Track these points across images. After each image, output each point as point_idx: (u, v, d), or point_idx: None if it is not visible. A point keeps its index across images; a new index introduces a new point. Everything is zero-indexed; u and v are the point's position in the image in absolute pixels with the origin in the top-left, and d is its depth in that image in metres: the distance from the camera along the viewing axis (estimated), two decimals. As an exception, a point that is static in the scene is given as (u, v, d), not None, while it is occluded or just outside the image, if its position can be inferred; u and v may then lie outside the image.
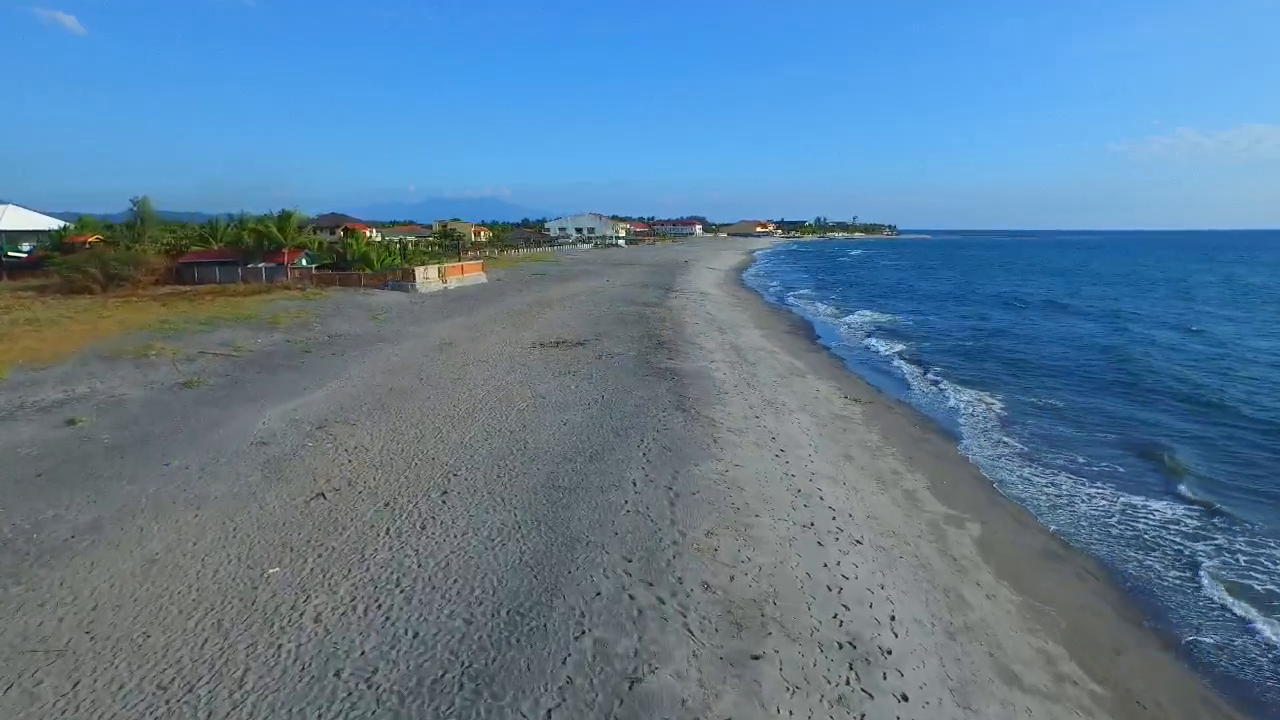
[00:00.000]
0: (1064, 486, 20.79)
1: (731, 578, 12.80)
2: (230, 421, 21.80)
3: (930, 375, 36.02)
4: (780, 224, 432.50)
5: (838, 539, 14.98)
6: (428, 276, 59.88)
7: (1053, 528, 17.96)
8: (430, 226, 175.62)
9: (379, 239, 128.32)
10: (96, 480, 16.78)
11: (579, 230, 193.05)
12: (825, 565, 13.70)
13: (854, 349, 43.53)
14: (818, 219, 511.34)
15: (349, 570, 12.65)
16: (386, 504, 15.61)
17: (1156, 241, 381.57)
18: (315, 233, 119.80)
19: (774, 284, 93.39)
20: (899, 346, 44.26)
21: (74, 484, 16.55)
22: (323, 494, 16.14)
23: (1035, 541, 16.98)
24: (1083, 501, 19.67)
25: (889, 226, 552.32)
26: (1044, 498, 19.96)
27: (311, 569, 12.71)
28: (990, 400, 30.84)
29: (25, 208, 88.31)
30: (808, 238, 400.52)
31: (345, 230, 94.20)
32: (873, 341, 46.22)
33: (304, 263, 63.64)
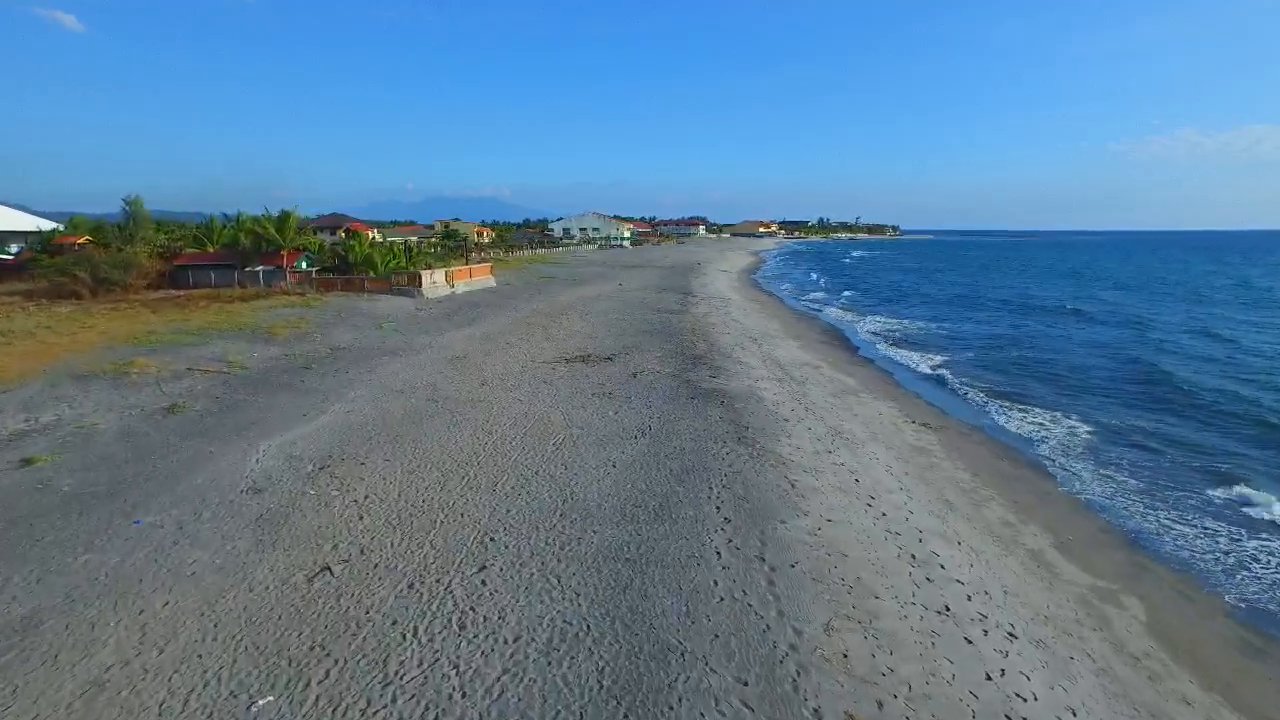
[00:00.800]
0: (1219, 539, 17.46)
1: (880, 704, 9.51)
2: (217, 459, 18.49)
3: (980, 392, 32.76)
4: (783, 224, 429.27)
5: (986, 631, 11.70)
6: (434, 281, 56.58)
7: (1232, 600, 14.63)
8: (431, 226, 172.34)
9: (380, 239, 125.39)
10: (45, 549, 13.46)
11: (583, 231, 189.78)
12: (989, 677, 10.43)
13: (896, 361, 40.19)
14: (820, 219, 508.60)
15: (367, 703, 9.33)
16: (410, 585, 12.31)
17: (1157, 242, 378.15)
18: (316, 234, 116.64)
19: (786, 285, 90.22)
20: (936, 358, 40.95)
21: (15, 555, 13.24)
22: (328, 568, 12.84)
23: (1222, 628, 13.68)
24: (1253, 561, 16.32)
25: (892, 227, 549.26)
26: (1197, 555, 16.64)
27: (317, 698, 9.39)
28: (1061, 424, 27.56)
29: (15, 207, 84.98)
30: (811, 238, 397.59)
31: (347, 231, 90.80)
32: (910, 353, 42.88)
33: (304, 265, 60.34)
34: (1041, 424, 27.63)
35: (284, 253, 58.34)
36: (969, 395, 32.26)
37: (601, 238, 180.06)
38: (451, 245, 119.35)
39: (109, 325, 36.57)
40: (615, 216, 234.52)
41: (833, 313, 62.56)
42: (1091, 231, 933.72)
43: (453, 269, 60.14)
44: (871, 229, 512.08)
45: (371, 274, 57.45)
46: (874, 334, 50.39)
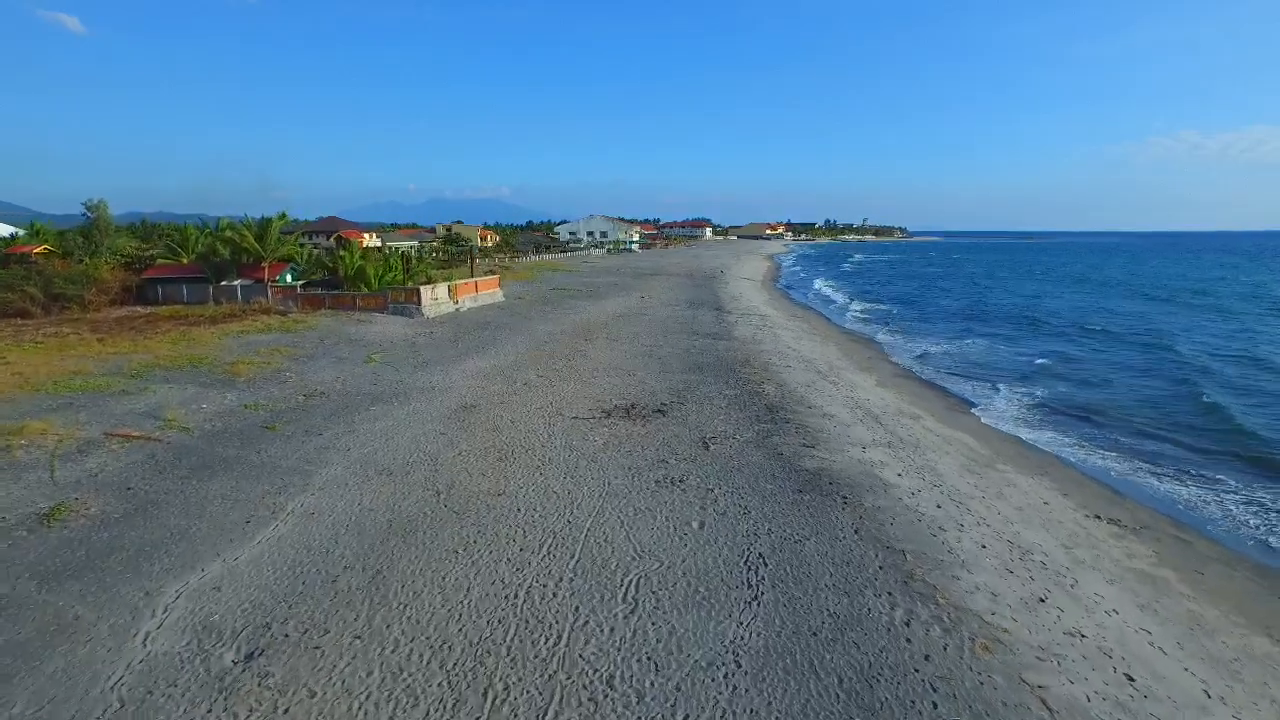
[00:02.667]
0: None
1: None
2: (75, 640, 11.34)
3: (1127, 454, 25.66)
4: (790, 226, 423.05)
5: None
6: (435, 296, 49.44)
7: None
8: (433, 230, 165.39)
9: (378, 244, 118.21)
10: None
11: (590, 235, 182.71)
12: None
13: (990, 404, 32.94)
14: (827, 221, 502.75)
15: None
16: None
17: (1164, 244, 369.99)
18: (310, 239, 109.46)
19: (815, 295, 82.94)
20: (1024, 393, 33.81)
21: None
22: None
23: None
24: None
25: (900, 228, 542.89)
26: None
27: None
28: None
29: (18, 208, 77.89)
30: (819, 240, 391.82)
31: (339, 239, 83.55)
32: (992, 389, 35.67)
33: (288, 279, 53.29)
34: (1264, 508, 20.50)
35: (265, 265, 51.24)
36: (1115, 457, 25.08)
37: (610, 242, 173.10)
38: (454, 251, 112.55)
39: (29, 361, 29.42)
40: (620, 219, 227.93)
41: (884, 335, 55.22)
42: (1095, 233, 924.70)
43: (456, 283, 53.01)
44: (879, 231, 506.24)
45: (364, 289, 50.31)
46: (942, 363, 43.14)
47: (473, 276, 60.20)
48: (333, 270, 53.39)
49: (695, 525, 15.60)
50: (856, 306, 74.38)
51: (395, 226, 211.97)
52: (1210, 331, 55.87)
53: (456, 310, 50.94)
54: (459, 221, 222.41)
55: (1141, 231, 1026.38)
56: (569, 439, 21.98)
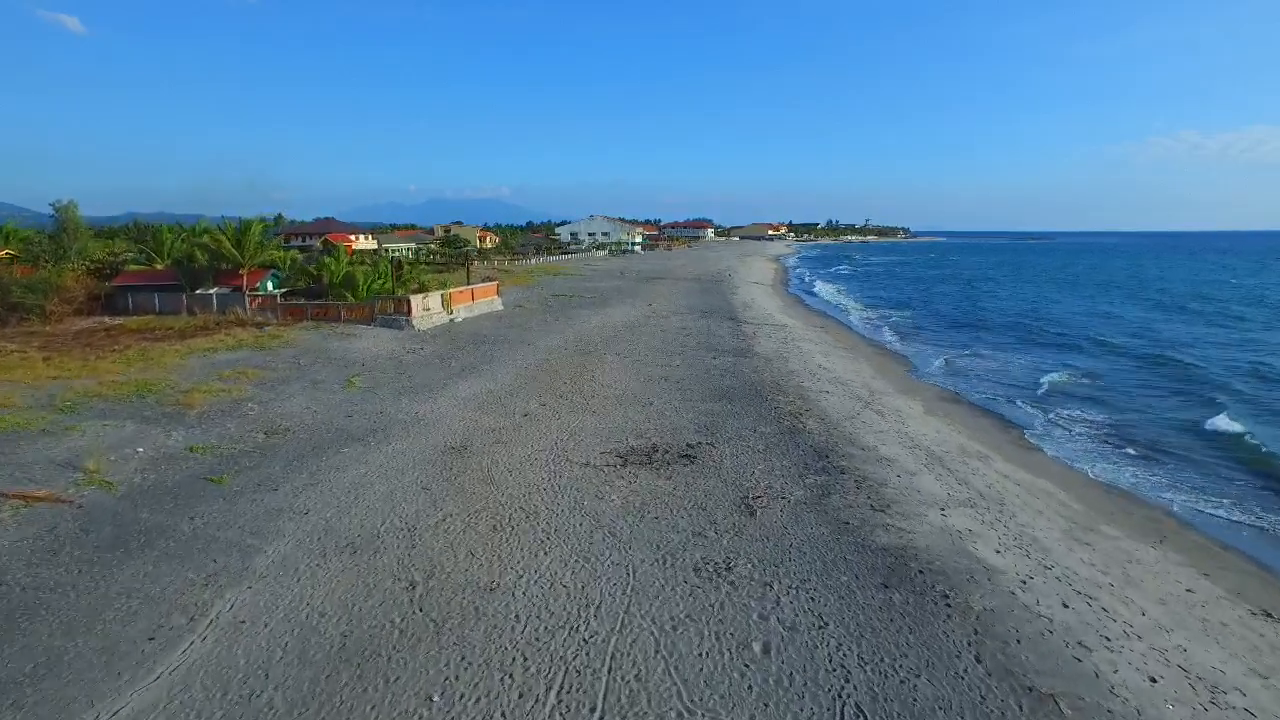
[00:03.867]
0: None
1: None
2: None
3: (1249, 504, 21.51)
4: (791, 226, 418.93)
5: None
6: (427, 307, 45.30)
7: None
8: (431, 231, 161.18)
9: (373, 246, 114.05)
10: None
11: (591, 236, 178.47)
12: None
13: (1059, 438, 28.82)
14: (829, 221, 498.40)
15: None
16: None
17: (1164, 245, 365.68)
18: (304, 241, 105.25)
19: (829, 300, 78.67)
20: (1086, 420, 29.66)
21: None
22: None
23: None
24: None
25: (902, 229, 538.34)
26: None
27: None
28: None
29: (18, 208, 73.81)
30: (822, 240, 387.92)
31: (325, 243, 79.33)
32: (1049, 414, 31.51)
33: (270, 287, 49.16)
34: None
35: (244, 272, 47.10)
36: (1215, 503, 21.01)
37: (612, 243, 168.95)
38: (452, 253, 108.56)
39: (-52, 392, 25.29)
40: (621, 219, 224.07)
41: (909, 346, 51.03)
42: (1096, 233, 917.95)
43: (451, 291, 48.83)
44: (881, 231, 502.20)
45: (350, 299, 46.18)
46: (977, 379, 39.04)
47: (469, 283, 56.06)
48: (317, 278, 49.22)
49: (757, 649, 11.45)
50: (871, 314, 70.26)
51: (394, 227, 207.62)
52: (1218, 341, 51.74)
53: (451, 321, 46.80)
54: (458, 222, 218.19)
55: (1142, 231, 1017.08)
56: (579, 497, 17.85)
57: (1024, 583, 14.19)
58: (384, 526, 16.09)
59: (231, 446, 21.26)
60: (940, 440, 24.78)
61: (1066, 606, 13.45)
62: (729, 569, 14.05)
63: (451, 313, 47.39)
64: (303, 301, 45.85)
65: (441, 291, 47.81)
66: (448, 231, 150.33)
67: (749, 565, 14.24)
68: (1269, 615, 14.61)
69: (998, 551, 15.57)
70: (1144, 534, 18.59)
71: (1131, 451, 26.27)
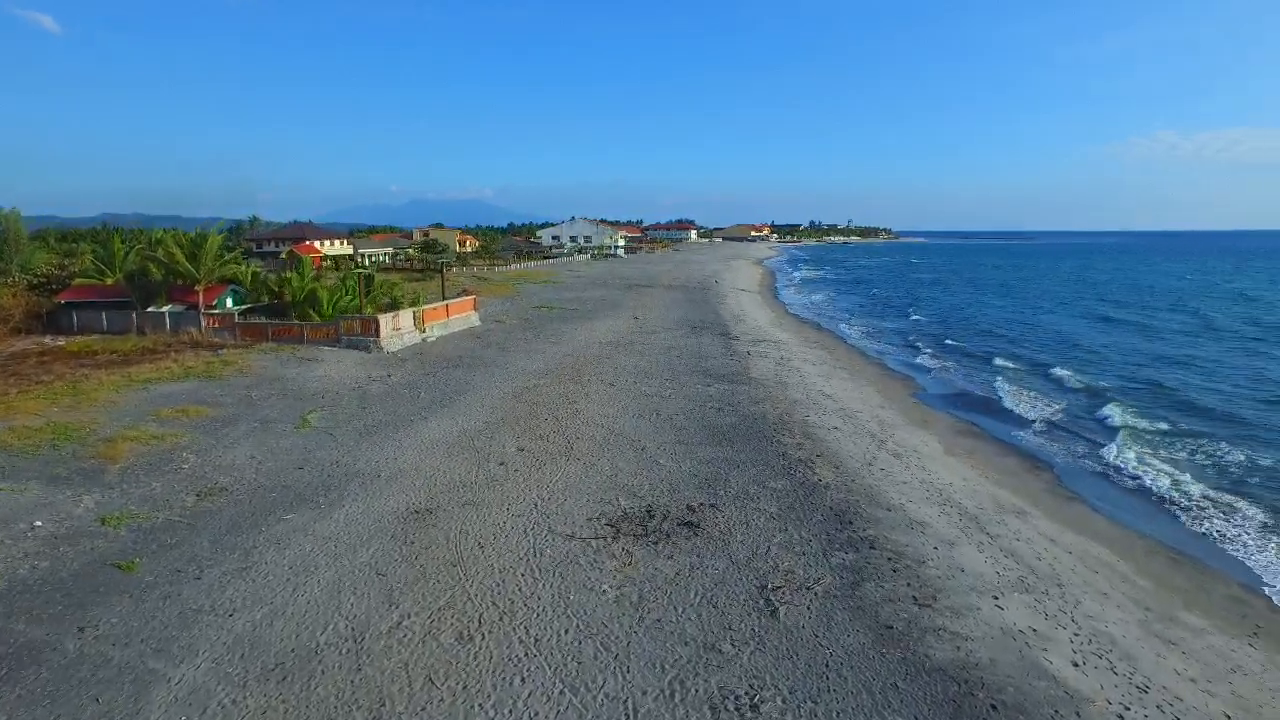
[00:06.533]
0: None
1: None
2: None
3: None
4: (774, 227, 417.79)
5: None
6: (398, 326, 42.06)
7: None
8: (411, 234, 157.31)
9: (348, 251, 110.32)
10: None
11: (573, 239, 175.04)
12: None
13: (1089, 479, 26.19)
14: (812, 222, 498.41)
15: None
16: None
17: (1146, 244, 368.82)
18: (275, 247, 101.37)
19: (821, 308, 76.05)
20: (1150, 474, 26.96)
21: None
22: None
23: None
24: None
25: (885, 229, 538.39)
26: None
27: None
28: None
29: None
30: (804, 241, 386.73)
31: (289, 255, 75.59)
32: (1084, 449, 28.95)
33: (229, 304, 45.71)
34: None
35: (200, 287, 43.65)
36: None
37: (594, 247, 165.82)
38: (430, 259, 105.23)
39: None
40: (602, 221, 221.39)
41: (906, 359, 48.77)
42: (1080, 233, 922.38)
43: (424, 308, 45.56)
44: (864, 232, 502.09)
45: (315, 317, 42.85)
46: (978, 398, 36.75)
47: (444, 295, 52.80)
48: (279, 294, 45.80)
49: None
50: (860, 322, 68.13)
51: (373, 230, 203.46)
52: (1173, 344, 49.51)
53: (423, 340, 43.60)
54: (439, 225, 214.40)
55: (1126, 232, 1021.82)
56: (564, 586, 14.83)
57: (1122, 718, 11.33)
58: (325, 635, 13.02)
59: (153, 515, 18.07)
60: (970, 491, 21.98)
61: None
62: (755, 708, 11.08)
63: (424, 331, 44.18)
64: (263, 320, 42.49)
65: (414, 309, 44.53)
66: (426, 235, 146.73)
67: (779, 700, 11.30)
68: None
69: (1076, 665, 12.74)
70: (1232, 622, 15.83)
71: (1173, 494, 23.65)
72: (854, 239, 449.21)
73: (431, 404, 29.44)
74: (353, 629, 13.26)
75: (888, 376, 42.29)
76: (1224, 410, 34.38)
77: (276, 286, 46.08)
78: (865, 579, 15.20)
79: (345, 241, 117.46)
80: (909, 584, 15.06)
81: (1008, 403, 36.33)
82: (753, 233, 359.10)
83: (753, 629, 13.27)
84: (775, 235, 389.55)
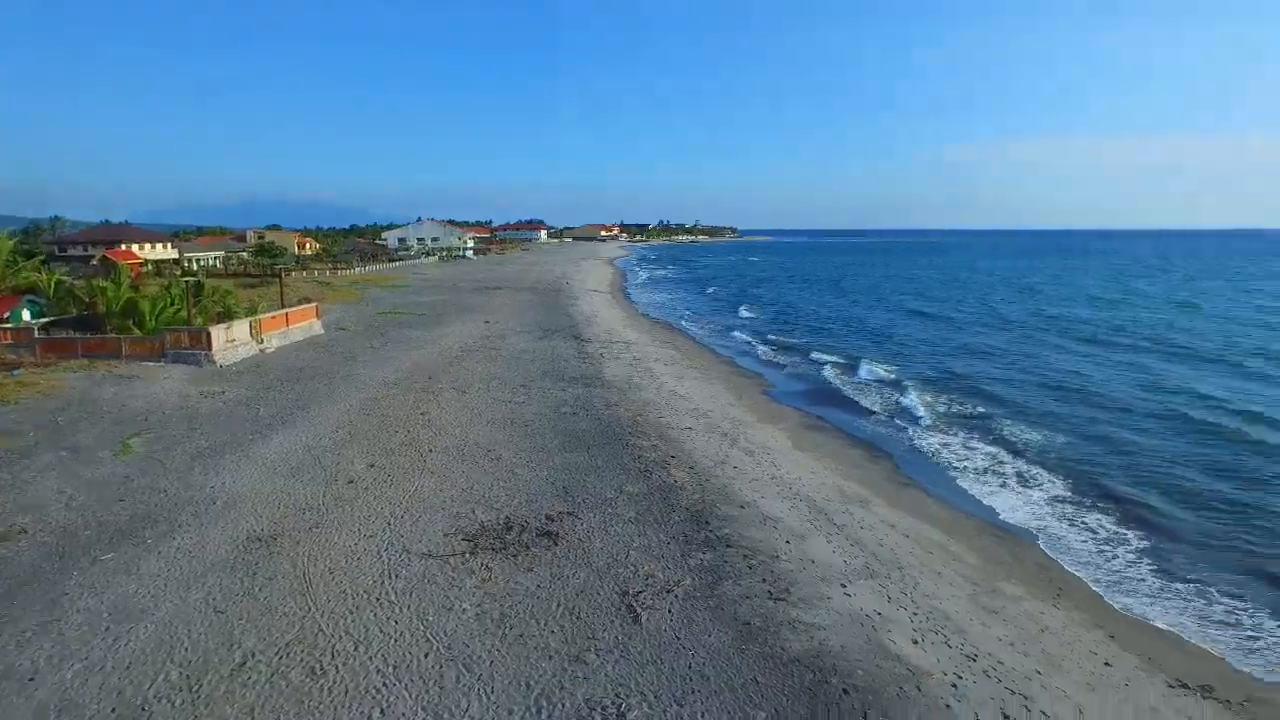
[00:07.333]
0: None
1: None
2: None
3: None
4: (624, 227, 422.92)
5: None
6: (232, 337, 39.36)
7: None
8: (244, 237, 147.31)
9: (174, 256, 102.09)
10: None
11: (420, 241, 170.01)
12: None
13: (921, 463, 28.28)
14: (661, 221, 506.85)
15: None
16: None
17: (992, 242, 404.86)
18: (85, 250, 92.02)
19: (669, 305, 77.88)
20: (1005, 470, 29.05)
21: None
22: None
23: None
24: None
25: (730, 229, 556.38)
26: None
27: None
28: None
29: None
30: (653, 241, 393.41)
31: (103, 260, 69.26)
32: (934, 440, 31.24)
33: (26, 317, 41.21)
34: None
35: (-10, 300, 39.07)
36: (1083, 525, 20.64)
37: (442, 248, 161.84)
38: (267, 263, 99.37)
39: None
40: (451, 222, 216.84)
41: (751, 352, 51.33)
42: (926, 231, 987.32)
43: (261, 317, 42.88)
44: (711, 231, 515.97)
45: (135, 330, 39.38)
46: (822, 389, 38.90)
47: (283, 306, 49.89)
48: (90, 305, 41.75)
49: None
50: (707, 321, 70.70)
51: (201, 231, 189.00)
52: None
53: (261, 351, 41.02)
54: (275, 226, 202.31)
55: (970, 230, 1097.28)
56: (422, 607, 14.38)
57: (955, 687, 12.32)
58: (153, 688, 11.96)
59: (-59, 565, 15.98)
60: (818, 484, 23.12)
61: (1008, 718, 11.62)
62: (622, 717, 11.16)
63: (262, 342, 41.56)
64: (71, 335, 38.56)
65: (250, 319, 41.80)
66: (262, 238, 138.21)
67: (645, 707, 11.44)
68: (1185, 687, 13.56)
69: (915, 642, 13.68)
70: (1041, 587, 17.53)
71: (991, 474, 25.94)
72: (702, 238, 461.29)
73: (272, 421, 27.74)
74: (188, 677, 12.26)
75: (737, 374, 43.77)
76: (1019, 397, 37.79)
77: (87, 296, 41.94)
78: (723, 578, 15.66)
79: (169, 245, 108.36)
80: (764, 579, 15.65)
81: (850, 394, 38.57)
82: (603, 233, 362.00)
83: (616, 637, 13.36)
84: (625, 235, 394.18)
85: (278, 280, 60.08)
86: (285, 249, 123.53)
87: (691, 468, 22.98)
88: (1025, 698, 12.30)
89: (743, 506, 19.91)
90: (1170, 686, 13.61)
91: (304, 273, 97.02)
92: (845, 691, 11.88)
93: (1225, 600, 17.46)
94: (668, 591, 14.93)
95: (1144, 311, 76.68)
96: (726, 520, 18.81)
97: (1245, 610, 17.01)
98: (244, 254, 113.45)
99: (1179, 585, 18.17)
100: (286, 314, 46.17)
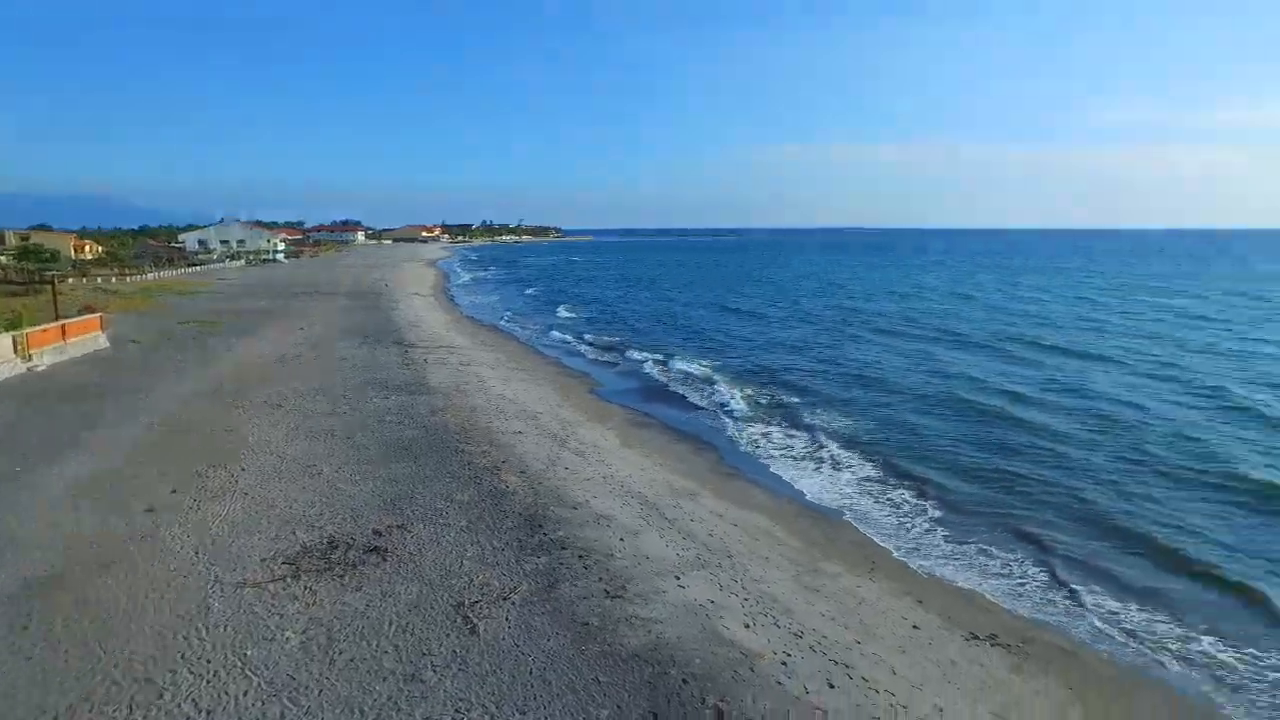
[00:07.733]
0: None
1: None
2: None
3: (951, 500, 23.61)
4: (446, 228, 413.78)
5: None
6: (-6, 356, 34.74)
7: None
8: (4, 238, 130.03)
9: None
10: None
11: (224, 243, 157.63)
12: None
13: (742, 447, 29.82)
14: (484, 221, 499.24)
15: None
16: None
17: (799, 240, 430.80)
18: None
19: (494, 308, 77.23)
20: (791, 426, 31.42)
21: None
22: None
23: None
24: None
25: (554, 229, 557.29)
26: None
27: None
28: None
29: None
30: (476, 241, 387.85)
31: None
32: (736, 424, 32.90)
33: None
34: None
35: None
36: (891, 493, 22.62)
37: (250, 251, 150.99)
38: (35, 268, 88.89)
39: None
40: (259, 223, 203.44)
41: (574, 351, 52.14)
42: (748, 230, 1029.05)
43: (28, 331, 38.15)
44: (535, 231, 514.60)
45: None
46: (639, 382, 40.22)
47: (58, 316, 44.61)
48: None
49: None
50: (531, 321, 70.75)
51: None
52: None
53: (30, 370, 36.50)
54: (44, 226, 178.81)
55: (777, 229, 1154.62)
56: (239, 641, 13.38)
57: (785, 664, 13.05)
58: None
59: None
60: (649, 480, 23.69)
61: (833, 687, 12.53)
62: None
63: (30, 359, 36.98)
64: None
65: (14, 333, 37.06)
66: (27, 240, 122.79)
67: (487, 719, 11.23)
68: (977, 638, 15.20)
69: (747, 626, 14.36)
70: (857, 563, 18.91)
71: (807, 459, 27.72)
72: (525, 238, 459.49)
73: (45, 449, 24.71)
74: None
75: (564, 374, 43.96)
76: (826, 388, 40.64)
77: None
78: (559, 580, 15.69)
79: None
80: (600, 578, 15.83)
81: (674, 390, 39.81)
82: (424, 233, 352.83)
83: (453, 650, 13.06)
84: (448, 236, 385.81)
85: (50, 289, 53.65)
86: (58, 252, 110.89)
87: (523, 471, 22.83)
88: (847, 666, 13.22)
89: (576, 507, 20.03)
90: (965, 640, 15.16)
91: (84, 279, 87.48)
92: (684, 681, 12.26)
93: (1000, 555, 19.95)
94: (504, 599, 14.77)
95: (931, 303, 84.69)
96: (560, 522, 18.85)
97: (1015, 562, 19.63)
98: (3, 258, 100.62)
99: (965, 547, 20.44)
100: (63, 327, 41.32)
